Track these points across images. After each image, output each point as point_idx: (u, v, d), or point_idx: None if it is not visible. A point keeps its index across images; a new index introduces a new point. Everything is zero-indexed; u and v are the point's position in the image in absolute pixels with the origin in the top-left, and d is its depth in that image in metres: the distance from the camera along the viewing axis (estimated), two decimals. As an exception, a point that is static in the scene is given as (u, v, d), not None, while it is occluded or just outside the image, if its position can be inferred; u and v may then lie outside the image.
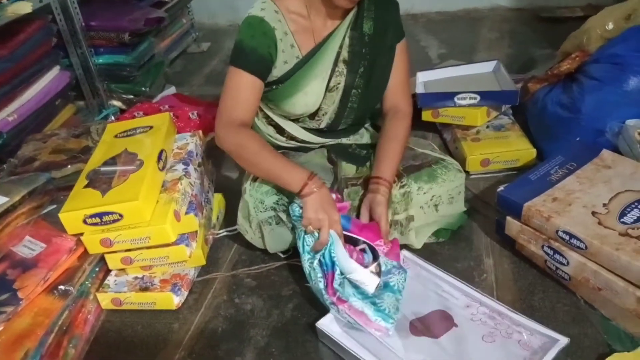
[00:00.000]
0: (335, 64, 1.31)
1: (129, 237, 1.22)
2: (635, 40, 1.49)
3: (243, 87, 1.24)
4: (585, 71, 1.57)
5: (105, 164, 1.33)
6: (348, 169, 1.39)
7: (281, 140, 1.43)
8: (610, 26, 1.60)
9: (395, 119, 1.37)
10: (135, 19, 2.18)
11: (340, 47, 1.30)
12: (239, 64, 1.23)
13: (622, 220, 1.13)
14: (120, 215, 1.19)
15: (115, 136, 1.46)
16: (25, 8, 1.75)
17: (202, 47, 2.97)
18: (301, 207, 1.19)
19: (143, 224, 1.21)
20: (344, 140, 1.45)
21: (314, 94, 1.31)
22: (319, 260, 1.15)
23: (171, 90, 2.36)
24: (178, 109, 1.98)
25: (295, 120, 1.38)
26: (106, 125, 1.57)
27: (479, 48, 2.57)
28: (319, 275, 1.15)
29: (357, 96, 1.34)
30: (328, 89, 1.32)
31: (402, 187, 1.28)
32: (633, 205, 1.16)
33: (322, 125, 1.39)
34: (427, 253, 1.34)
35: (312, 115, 1.36)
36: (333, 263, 1.14)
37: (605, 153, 1.34)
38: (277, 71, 1.28)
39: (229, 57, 1.28)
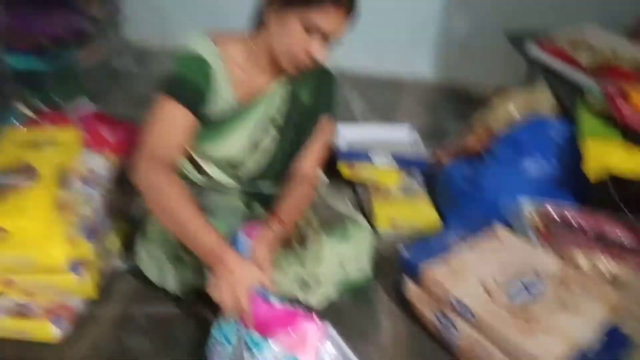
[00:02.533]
0: (264, 122, 1.30)
1: (12, 256, 1.12)
2: (534, 127, 1.65)
3: (175, 120, 1.15)
4: (488, 149, 1.70)
5: (0, 174, 1.23)
6: (261, 211, 1.38)
7: (197, 178, 1.38)
8: (514, 111, 1.76)
9: (303, 185, 1.34)
10: (59, 25, 2.08)
11: (274, 108, 1.29)
12: (173, 94, 1.15)
13: (509, 296, 1.20)
14: (6, 231, 1.10)
15: (16, 145, 1.36)
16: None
17: (126, 65, 2.88)
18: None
19: (30, 244, 1.11)
20: (262, 189, 1.44)
21: (237, 145, 1.29)
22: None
23: (87, 104, 2.24)
24: (91, 125, 1.87)
25: (215, 163, 1.35)
26: (5, 131, 1.46)
27: (400, 112, 2.71)
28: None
29: (282, 159, 1.34)
30: (253, 145, 1.30)
31: (314, 243, 1.28)
32: (520, 283, 1.24)
33: (241, 175, 1.37)
34: (329, 312, 1.31)
35: (233, 165, 1.34)
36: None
37: (499, 228, 1.43)
38: (207, 110, 1.23)
39: (161, 86, 1.18)
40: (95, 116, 2.01)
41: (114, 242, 1.43)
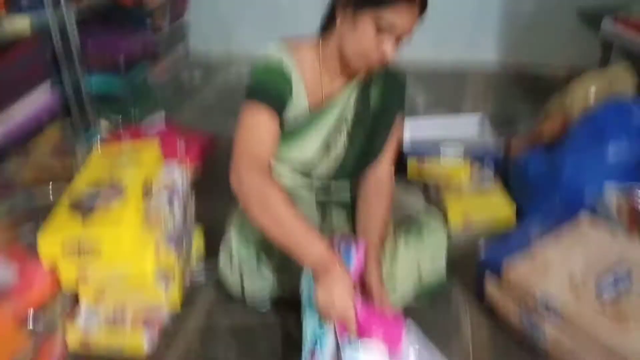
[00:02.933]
0: (338, 125, 1.31)
1: (105, 269, 1.19)
2: (616, 109, 1.55)
3: (264, 124, 1.17)
4: (567, 134, 1.62)
5: (89, 188, 1.31)
6: (340, 223, 1.36)
7: None
8: (592, 92, 1.66)
9: (381, 193, 1.32)
10: (131, 43, 2.19)
11: (345, 110, 1.30)
12: (259, 99, 1.18)
13: (599, 289, 1.15)
14: (100, 242, 1.17)
15: (102, 161, 1.45)
16: (24, 24, 1.74)
17: (194, 75, 2.99)
18: (311, 283, 1.07)
19: (121, 256, 1.18)
20: (333, 186, 1.43)
21: (311, 147, 1.30)
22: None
23: (160, 116, 2.36)
24: (166, 136, 1.98)
25: (289, 167, 1.37)
26: (92, 148, 1.55)
27: (465, 99, 2.63)
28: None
29: (353, 158, 1.34)
30: (326, 148, 1.32)
31: (391, 241, 1.27)
32: (610, 274, 1.18)
33: (313, 175, 1.38)
34: (406, 313, 1.24)
35: (306, 166, 1.35)
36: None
37: (584, 217, 1.37)
38: (288, 113, 1.25)
39: (246, 94, 1.20)
40: (169, 129, 2.12)
41: (194, 252, 1.48)
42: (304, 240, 1.06)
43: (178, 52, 2.85)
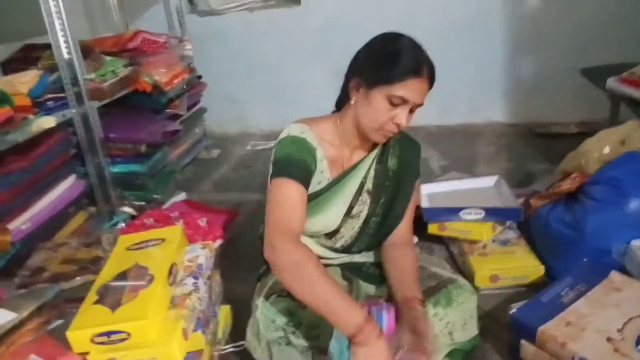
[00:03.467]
0: (359, 193, 1.37)
1: (135, 357, 1.19)
2: (633, 165, 1.56)
3: (293, 196, 1.21)
4: (585, 192, 1.63)
5: (116, 278, 1.32)
6: (367, 288, 1.38)
7: None
8: (607, 150, 1.68)
9: (407, 248, 1.39)
10: (152, 131, 2.28)
11: (365, 177, 1.37)
12: (287, 174, 1.22)
13: (639, 347, 1.12)
14: (129, 334, 1.17)
15: (127, 248, 1.47)
16: (49, 123, 1.84)
17: (212, 154, 3.09)
18: (342, 345, 1.08)
19: (150, 344, 1.18)
20: (357, 258, 1.46)
21: (335, 217, 1.35)
22: None
23: (181, 196, 2.42)
24: (187, 215, 2.02)
25: (311, 235, 1.41)
26: (117, 235, 1.59)
27: (478, 161, 2.67)
28: None
29: (375, 224, 1.39)
30: (350, 215, 1.37)
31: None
32: (648, 331, 1.15)
33: (337, 245, 1.41)
34: None
35: (330, 235, 1.39)
36: None
37: (615, 275, 1.35)
38: (310, 188, 1.30)
39: (273, 170, 1.25)
40: (191, 209, 2.16)
41: (220, 325, 1.48)
42: (342, 308, 1.07)
43: (196, 134, 2.96)
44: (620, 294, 1.29)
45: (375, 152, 1.38)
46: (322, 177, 1.32)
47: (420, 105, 1.24)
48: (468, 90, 3.11)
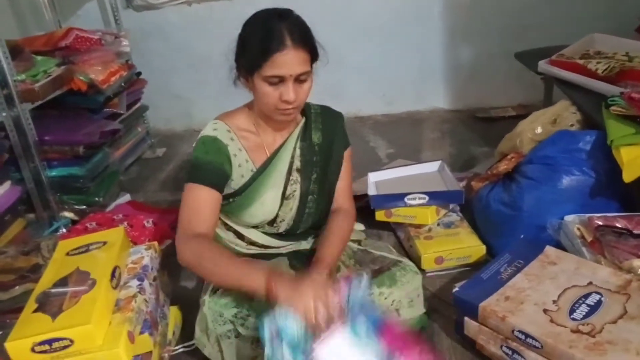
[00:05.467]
0: (289, 173, 1.38)
1: (79, 363, 1.16)
2: (563, 143, 1.64)
3: (201, 200, 1.27)
4: (521, 171, 1.69)
5: (56, 285, 1.28)
6: None
7: (241, 246, 1.44)
8: (539, 130, 1.75)
9: (339, 215, 1.43)
10: (90, 132, 2.20)
11: (292, 157, 1.38)
12: (195, 179, 1.28)
13: (572, 316, 1.18)
14: (71, 341, 1.13)
15: (67, 254, 1.42)
16: (-22, 128, 1.75)
17: (157, 152, 3.01)
18: (269, 326, 1.03)
19: (95, 349, 1.15)
20: (304, 245, 1.47)
21: (271, 203, 1.36)
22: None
23: (125, 198, 2.35)
24: (132, 217, 1.96)
25: (255, 226, 1.42)
26: (57, 241, 1.53)
27: (424, 147, 2.73)
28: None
29: (313, 202, 1.41)
30: (285, 197, 1.38)
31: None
32: (580, 301, 1.22)
33: (281, 230, 1.43)
34: None
35: (271, 222, 1.40)
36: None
37: (549, 249, 1.41)
38: (234, 184, 1.34)
39: (186, 173, 1.32)
40: (135, 210, 2.11)
41: (170, 326, 1.46)
42: (245, 274, 1.14)
43: (139, 133, 2.88)
44: (555, 267, 1.35)
45: (297, 130, 1.39)
46: (244, 169, 1.34)
47: (305, 73, 1.22)
48: (412, 78, 3.16)
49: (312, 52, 1.24)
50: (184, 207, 1.29)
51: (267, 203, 1.36)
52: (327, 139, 1.42)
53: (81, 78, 2.26)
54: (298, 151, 1.39)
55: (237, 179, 1.34)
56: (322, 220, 1.49)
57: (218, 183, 1.30)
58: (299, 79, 1.22)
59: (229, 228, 1.44)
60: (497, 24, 2.95)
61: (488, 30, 2.97)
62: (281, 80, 1.20)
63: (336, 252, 1.33)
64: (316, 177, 1.40)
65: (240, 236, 1.43)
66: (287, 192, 1.38)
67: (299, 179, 1.39)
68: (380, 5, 3.00)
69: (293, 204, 1.40)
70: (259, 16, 1.25)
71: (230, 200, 1.36)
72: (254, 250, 1.44)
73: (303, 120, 1.41)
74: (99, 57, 2.42)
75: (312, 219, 1.44)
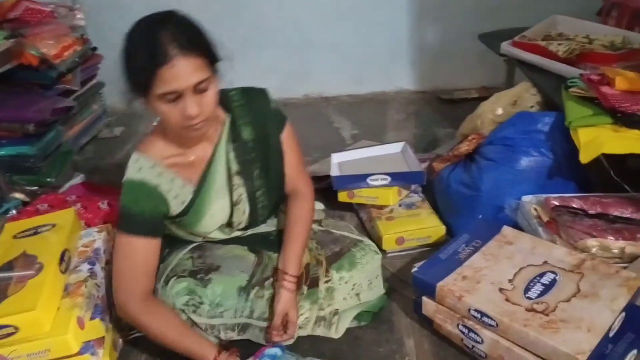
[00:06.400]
0: (230, 179, 1.30)
1: (26, 351, 1.11)
2: (522, 124, 1.65)
3: (137, 253, 1.20)
4: (481, 152, 1.70)
5: (1, 269, 1.23)
6: (275, 257, 1.35)
7: (198, 240, 1.39)
8: (500, 111, 1.76)
9: (296, 200, 1.38)
10: (41, 109, 2.10)
11: (228, 162, 1.29)
12: (127, 230, 1.19)
13: (527, 295, 1.20)
14: (16, 328, 1.09)
15: (14, 236, 1.37)
16: None
17: (114, 132, 2.91)
18: None
19: (42, 336, 1.11)
20: (263, 227, 1.44)
21: (221, 213, 1.31)
22: None
23: (80, 179, 2.27)
24: (86, 199, 1.89)
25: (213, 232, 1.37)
26: (4, 224, 1.46)
27: (388, 128, 2.72)
28: None
29: (263, 195, 1.34)
30: (233, 204, 1.31)
31: (326, 282, 1.29)
32: (535, 280, 1.24)
33: (240, 229, 1.39)
34: (350, 338, 1.34)
35: (227, 225, 1.36)
36: None
37: (506, 229, 1.43)
38: (176, 209, 1.25)
39: (118, 222, 1.22)
40: (89, 191, 2.04)
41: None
42: (196, 346, 1.18)
43: (94, 111, 2.77)
44: (512, 247, 1.37)
45: (225, 133, 1.28)
46: (183, 195, 1.25)
47: (204, 81, 1.08)
48: (380, 59, 3.13)
49: (207, 54, 1.11)
50: (120, 262, 1.20)
51: (217, 214, 1.30)
52: (259, 131, 1.30)
53: (32, 52, 2.15)
54: (232, 154, 1.28)
55: (178, 206, 1.25)
56: (279, 205, 1.45)
57: (154, 230, 1.21)
58: (198, 89, 1.08)
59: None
60: (465, 4, 2.94)
61: (457, 11, 2.96)
62: (178, 95, 1.07)
63: (301, 247, 1.30)
64: (258, 172, 1.32)
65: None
66: (235, 198, 1.30)
67: (241, 181, 1.30)
68: (346, -17, 2.95)
69: (244, 207, 1.32)
70: (139, 27, 1.10)
71: (177, 220, 1.28)
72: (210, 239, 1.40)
73: (228, 118, 1.28)
74: (51, 30, 2.30)
75: (268, 210, 1.39)
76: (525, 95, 1.80)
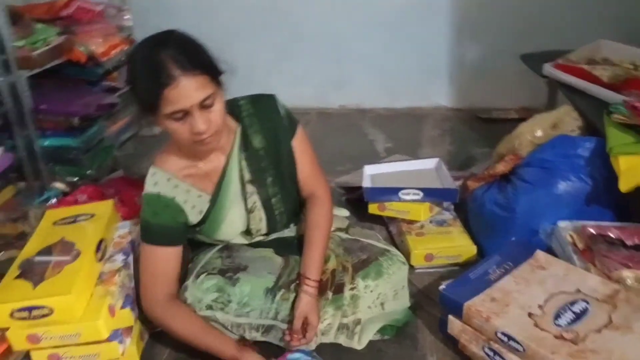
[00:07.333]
0: (243, 187, 1.32)
1: (58, 333, 1.16)
2: (562, 147, 1.62)
3: (159, 261, 1.26)
4: (518, 173, 1.68)
5: (40, 253, 1.28)
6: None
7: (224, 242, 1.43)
8: (539, 133, 1.74)
9: (313, 206, 1.38)
10: (86, 103, 2.18)
11: (240, 170, 1.31)
12: (148, 240, 1.25)
13: (557, 322, 1.17)
14: (51, 310, 1.13)
15: (54, 223, 1.42)
16: (-27, 90, 1.73)
17: (154, 130, 2.98)
18: None
19: (74, 320, 1.14)
20: (287, 233, 1.46)
21: (237, 220, 1.34)
22: None
23: (119, 173, 2.33)
24: (124, 193, 1.94)
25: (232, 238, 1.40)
26: (44, 211, 1.52)
27: (423, 144, 2.70)
28: None
29: (279, 202, 1.36)
30: (248, 212, 1.34)
31: (351, 289, 1.30)
32: (567, 307, 1.21)
33: (261, 236, 1.42)
34: (372, 351, 1.33)
35: (247, 233, 1.39)
36: None
37: (540, 254, 1.40)
38: (195, 219, 1.30)
39: (140, 232, 1.28)
40: (126, 183, 2.09)
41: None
42: (215, 345, 1.22)
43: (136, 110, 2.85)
44: (544, 272, 1.34)
45: (237, 142, 1.30)
46: (200, 205, 1.29)
47: (209, 97, 1.11)
48: (417, 74, 3.13)
49: (209, 70, 1.12)
50: (144, 270, 1.27)
51: (234, 221, 1.34)
52: (270, 139, 1.31)
53: (81, 49, 2.24)
54: (244, 163, 1.31)
55: (196, 216, 1.29)
56: (298, 209, 1.46)
57: (173, 240, 1.27)
58: (204, 105, 1.11)
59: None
60: (507, 23, 2.91)
61: (497, 29, 2.94)
62: (185, 113, 1.10)
63: (319, 253, 1.31)
64: (272, 180, 1.33)
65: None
66: (249, 206, 1.33)
67: (255, 189, 1.32)
68: (388, -2, 2.96)
69: (259, 214, 1.35)
70: (141, 49, 1.13)
71: (197, 229, 1.33)
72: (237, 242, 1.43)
73: (239, 128, 1.30)
74: (100, 29, 2.39)
75: (286, 216, 1.40)
76: (566, 119, 1.77)
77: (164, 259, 1.25)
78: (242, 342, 1.24)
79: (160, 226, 1.24)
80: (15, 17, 2.02)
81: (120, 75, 2.56)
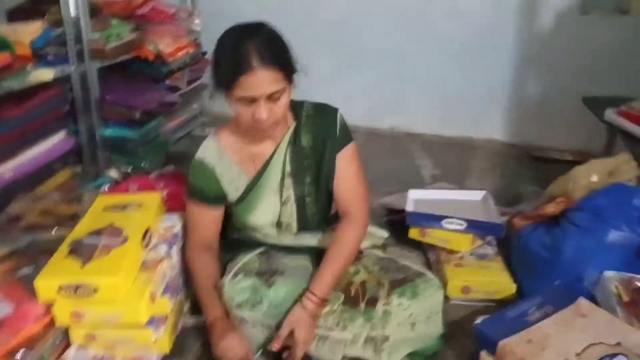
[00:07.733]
0: (283, 179, 1.38)
1: (101, 312, 1.20)
2: (617, 196, 1.57)
3: (198, 217, 1.42)
4: (568, 217, 1.63)
5: (90, 235, 1.33)
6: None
7: (258, 237, 1.47)
8: (595, 178, 1.69)
9: (345, 223, 1.39)
10: (149, 99, 2.27)
11: (284, 163, 1.37)
12: (191, 196, 1.42)
13: (595, 373, 1.13)
14: (96, 289, 1.17)
15: (105, 208, 1.47)
16: (47, 75, 1.84)
17: (206, 131, 3.07)
18: None
19: (117, 301, 1.18)
20: (323, 244, 1.46)
21: (272, 209, 1.39)
22: None
23: (169, 168, 2.40)
24: (172, 187, 2.00)
25: (262, 228, 1.44)
26: (96, 196, 1.58)
27: (470, 175, 2.67)
28: None
29: (312, 202, 1.40)
30: (282, 203, 1.39)
31: (384, 304, 1.29)
32: (605, 359, 1.16)
33: (293, 232, 1.44)
34: None
35: (278, 225, 1.42)
36: None
37: (583, 301, 1.35)
38: (231, 196, 1.38)
39: (186, 190, 1.45)
40: (176, 178, 2.15)
41: (185, 297, 1.50)
42: (204, 304, 1.34)
43: (193, 110, 2.94)
44: (585, 321, 1.29)
45: (288, 135, 1.37)
46: (238, 182, 1.38)
47: (278, 91, 1.19)
48: (472, 104, 3.10)
49: (286, 68, 1.21)
50: (187, 221, 1.46)
51: (267, 210, 1.39)
52: (317, 142, 1.37)
53: (150, 47, 2.34)
54: (289, 156, 1.37)
55: (232, 192, 1.38)
56: (333, 218, 1.47)
57: (212, 202, 1.40)
58: (271, 97, 1.20)
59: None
60: (571, 63, 2.85)
61: (560, 68, 2.88)
62: (253, 99, 1.19)
63: (332, 271, 1.32)
64: (310, 180, 1.39)
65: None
66: (283, 198, 1.39)
67: (291, 184, 1.38)
68: (456, 23, 2.95)
69: (291, 209, 1.40)
70: (229, 34, 1.22)
71: (233, 207, 1.41)
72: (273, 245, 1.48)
73: (294, 123, 1.38)
74: (170, 30, 2.49)
75: (317, 218, 1.44)
76: (624, 167, 1.72)
77: (201, 215, 1.40)
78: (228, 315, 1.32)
79: (198, 187, 1.38)
80: (95, 10, 2.14)
81: (183, 76, 2.65)
